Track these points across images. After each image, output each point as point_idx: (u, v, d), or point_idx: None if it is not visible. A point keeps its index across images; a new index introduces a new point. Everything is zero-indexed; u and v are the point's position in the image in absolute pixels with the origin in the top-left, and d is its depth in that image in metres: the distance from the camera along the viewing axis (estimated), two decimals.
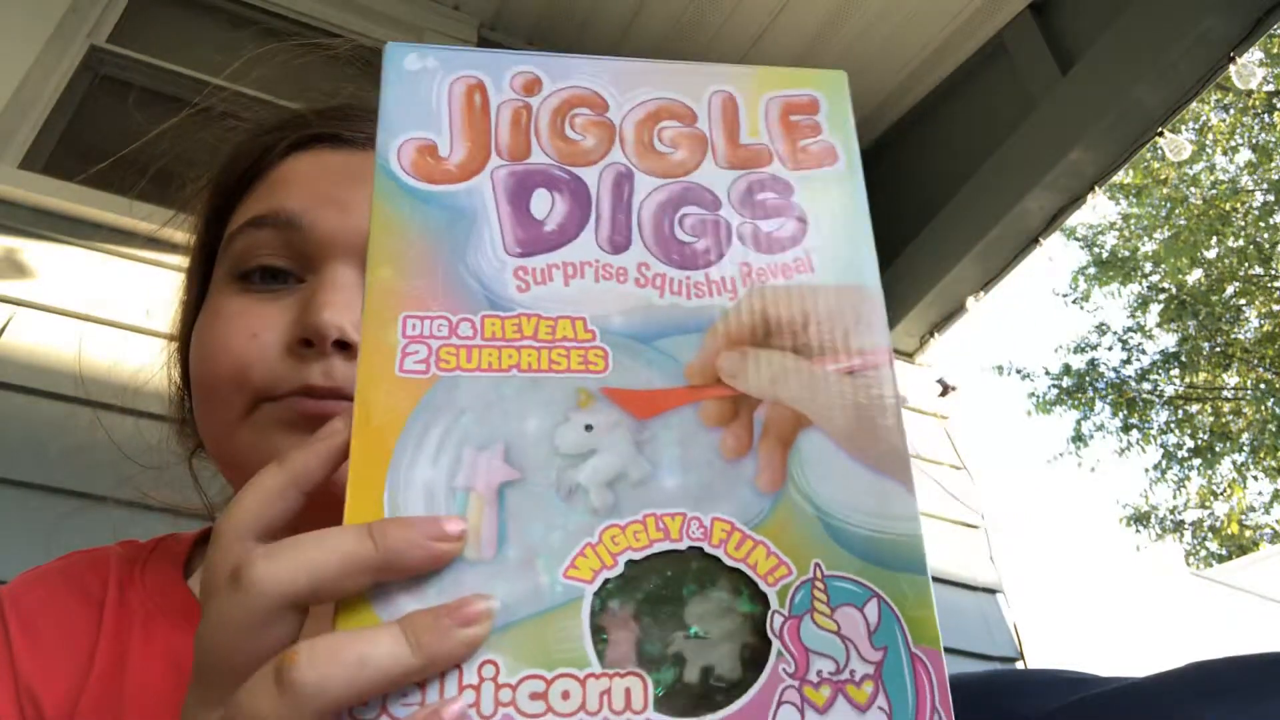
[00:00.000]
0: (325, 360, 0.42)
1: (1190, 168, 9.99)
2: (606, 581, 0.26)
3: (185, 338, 0.52)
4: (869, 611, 0.27)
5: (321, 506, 0.29)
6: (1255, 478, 9.87)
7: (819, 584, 0.27)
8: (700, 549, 0.27)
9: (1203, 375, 10.11)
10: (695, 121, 0.33)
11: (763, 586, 0.26)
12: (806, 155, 0.34)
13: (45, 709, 0.41)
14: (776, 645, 0.26)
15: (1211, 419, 10.01)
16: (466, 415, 0.27)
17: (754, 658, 0.26)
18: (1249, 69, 1.74)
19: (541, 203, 0.31)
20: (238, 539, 0.27)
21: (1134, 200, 10.47)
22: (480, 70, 0.32)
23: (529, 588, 0.26)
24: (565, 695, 0.24)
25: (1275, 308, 9.75)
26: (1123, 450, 10.18)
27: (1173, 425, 10.22)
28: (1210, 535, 10.36)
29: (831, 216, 0.33)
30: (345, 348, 0.42)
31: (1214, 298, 9.96)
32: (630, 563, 0.26)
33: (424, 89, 0.31)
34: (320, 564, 0.25)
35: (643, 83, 0.33)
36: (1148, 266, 10.50)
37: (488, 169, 0.31)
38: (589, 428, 0.28)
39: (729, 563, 0.27)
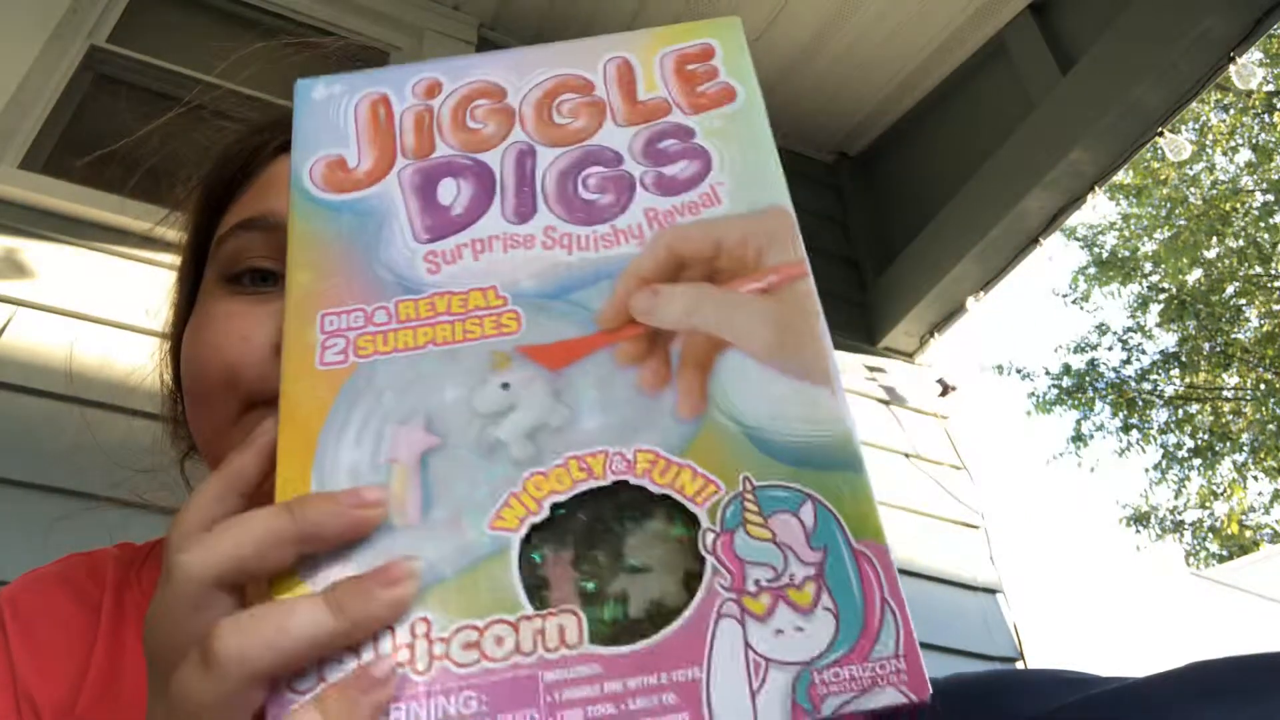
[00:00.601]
0: None
1: (1190, 168, 9.98)
2: (535, 528, 0.26)
3: (177, 339, 0.53)
4: (804, 514, 0.26)
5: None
6: (1255, 478, 9.88)
7: (749, 496, 0.27)
8: (625, 481, 0.27)
9: (1203, 375, 10.11)
10: (592, 91, 0.34)
11: (691, 508, 0.26)
12: (704, 98, 0.34)
13: (43, 711, 0.41)
14: (710, 561, 0.26)
15: (1211, 419, 10.01)
16: (386, 395, 0.28)
17: (695, 581, 0.26)
18: (1249, 69, 1.74)
19: (447, 190, 0.32)
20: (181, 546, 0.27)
21: (1134, 200, 10.47)
22: (384, 86, 0.34)
23: (457, 544, 0.26)
24: (499, 640, 0.25)
25: (1275, 308, 9.75)
26: (1123, 450, 10.18)
27: (1173, 425, 10.22)
28: (1210, 535, 10.36)
29: (735, 150, 0.33)
30: None
31: (1214, 298, 9.95)
32: (556, 506, 0.26)
33: (332, 112, 0.33)
34: (241, 542, 0.25)
35: (539, 64, 0.34)
36: (1148, 266, 10.50)
37: (394, 170, 0.32)
38: (505, 386, 0.28)
39: (656, 490, 0.27)
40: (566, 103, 0.34)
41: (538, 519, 0.26)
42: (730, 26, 0.35)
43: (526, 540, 0.26)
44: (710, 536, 0.26)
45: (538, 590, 0.26)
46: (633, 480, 0.27)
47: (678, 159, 0.32)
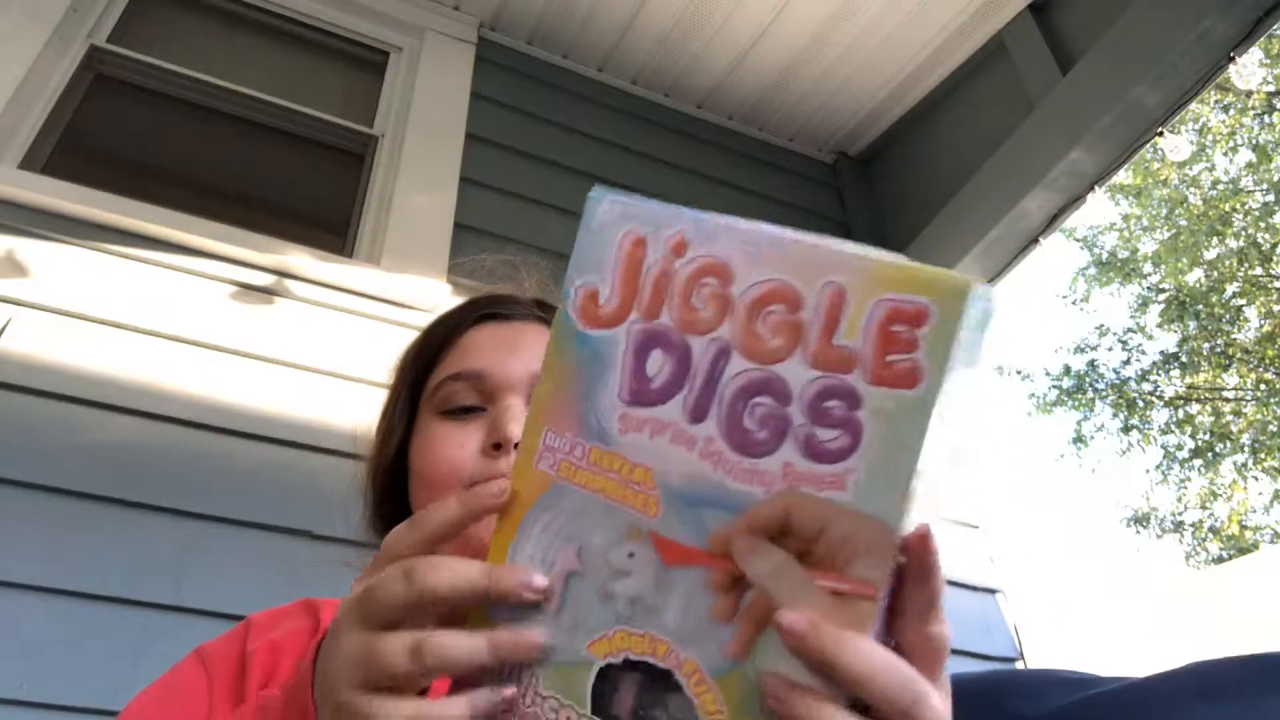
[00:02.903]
0: (509, 456, 0.63)
1: (1190, 168, 9.99)
2: (610, 663, 0.37)
3: (382, 459, 0.74)
4: None
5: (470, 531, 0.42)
6: (1255, 478, 9.87)
7: None
8: (672, 673, 0.36)
9: (1203, 376, 10.11)
10: (800, 309, 0.36)
11: (702, 717, 0.36)
12: (889, 371, 0.33)
13: (283, 658, 0.61)
14: None
15: (1212, 420, 10.01)
16: (563, 516, 0.39)
17: None
18: (1249, 69, 1.74)
19: (655, 361, 0.39)
20: (421, 540, 0.40)
21: (1134, 200, 10.47)
22: (646, 226, 0.40)
23: (567, 646, 0.38)
24: (569, 717, 0.37)
25: (1275, 308, 9.75)
26: (1124, 451, 10.19)
27: (1173, 426, 10.22)
28: (1210, 536, 10.37)
29: (885, 442, 0.33)
30: None
31: (1214, 298, 9.96)
32: (627, 659, 0.37)
33: (603, 240, 0.40)
34: (455, 583, 0.37)
35: (769, 259, 0.37)
36: (1148, 267, 10.50)
37: (627, 322, 0.39)
38: (631, 555, 0.38)
39: (687, 693, 0.36)
40: (774, 315, 0.36)
41: (615, 660, 0.37)
42: (957, 294, 0.33)
43: (602, 668, 0.37)
44: None
45: (595, 699, 0.37)
46: (676, 676, 0.36)
47: (834, 426, 0.34)
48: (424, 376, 0.73)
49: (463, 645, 0.37)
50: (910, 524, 0.33)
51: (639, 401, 0.38)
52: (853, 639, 0.32)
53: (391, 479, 0.73)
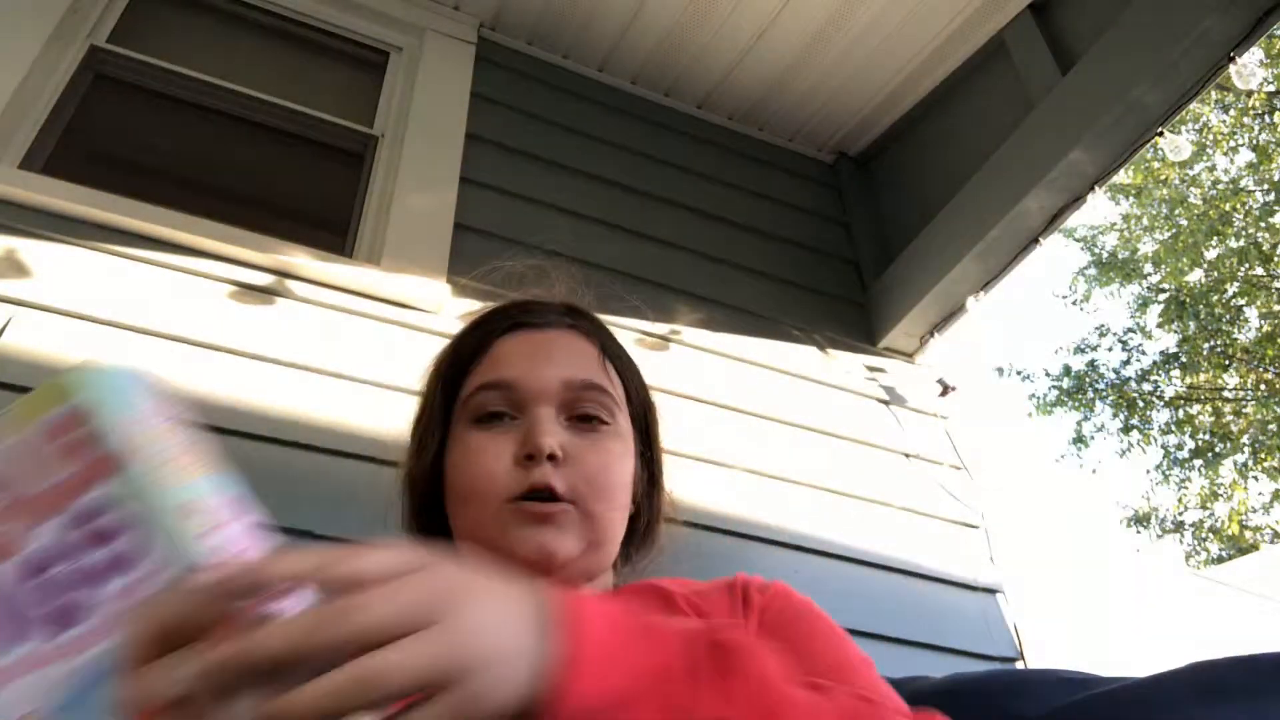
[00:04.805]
0: (542, 467, 0.65)
1: (1190, 168, 9.99)
2: None
3: (420, 468, 0.75)
4: None
5: None
6: (1255, 478, 9.88)
7: None
8: None
9: (1203, 376, 10.11)
10: (8, 489, 0.34)
11: None
12: (98, 473, 0.34)
13: None
14: None
15: (1212, 420, 10.01)
16: None
17: None
18: (1249, 69, 1.74)
19: None
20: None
21: (1134, 200, 10.47)
22: None
23: None
24: None
25: (1275, 308, 9.75)
26: (1124, 451, 10.18)
27: (1173, 426, 10.22)
28: (1210, 536, 10.36)
29: (135, 518, 0.34)
30: (553, 458, 0.65)
31: (1214, 298, 9.95)
32: None
33: None
34: None
35: None
36: (1148, 267, 10.50)
37: None
38: None
39: None
40: None
41: None
42: (85, 380, 0.34)
43: None
44: None
45: None
46: None
47: (96, 545, 0.34)
48: (457, 385, 0.74)
49: None
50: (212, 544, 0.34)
51: None
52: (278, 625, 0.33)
53: (428, 487, 0.74)
